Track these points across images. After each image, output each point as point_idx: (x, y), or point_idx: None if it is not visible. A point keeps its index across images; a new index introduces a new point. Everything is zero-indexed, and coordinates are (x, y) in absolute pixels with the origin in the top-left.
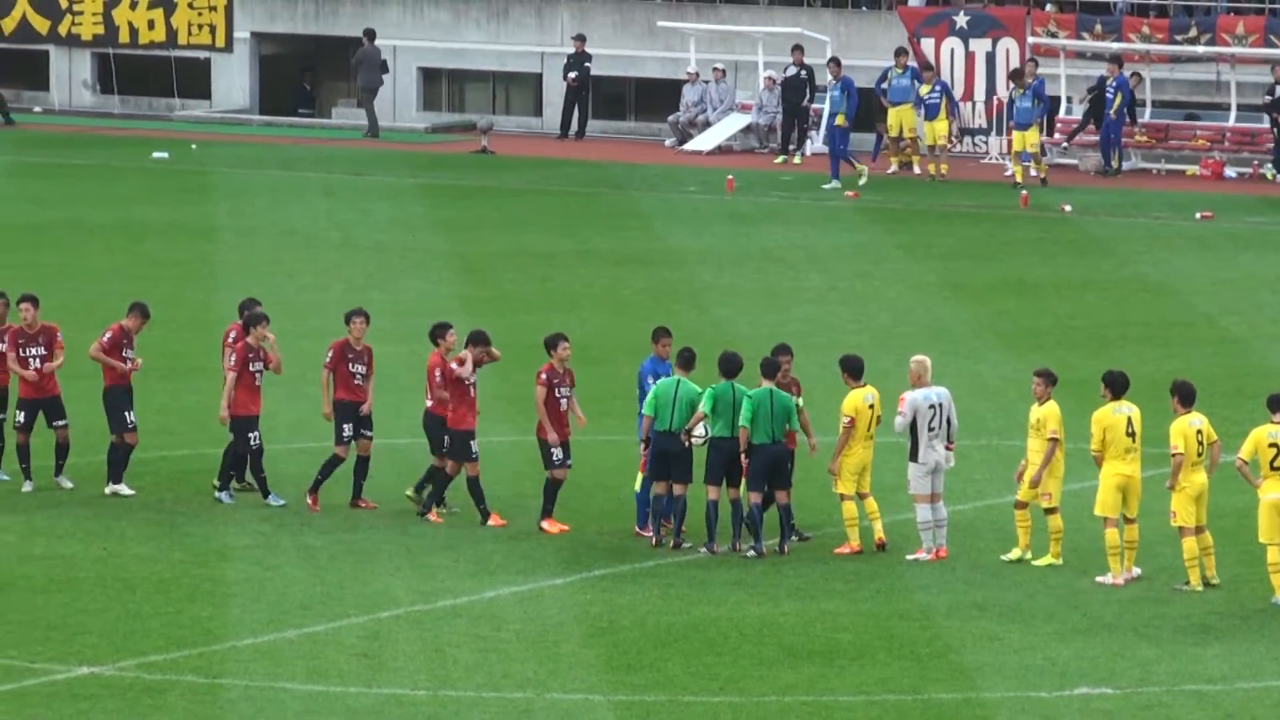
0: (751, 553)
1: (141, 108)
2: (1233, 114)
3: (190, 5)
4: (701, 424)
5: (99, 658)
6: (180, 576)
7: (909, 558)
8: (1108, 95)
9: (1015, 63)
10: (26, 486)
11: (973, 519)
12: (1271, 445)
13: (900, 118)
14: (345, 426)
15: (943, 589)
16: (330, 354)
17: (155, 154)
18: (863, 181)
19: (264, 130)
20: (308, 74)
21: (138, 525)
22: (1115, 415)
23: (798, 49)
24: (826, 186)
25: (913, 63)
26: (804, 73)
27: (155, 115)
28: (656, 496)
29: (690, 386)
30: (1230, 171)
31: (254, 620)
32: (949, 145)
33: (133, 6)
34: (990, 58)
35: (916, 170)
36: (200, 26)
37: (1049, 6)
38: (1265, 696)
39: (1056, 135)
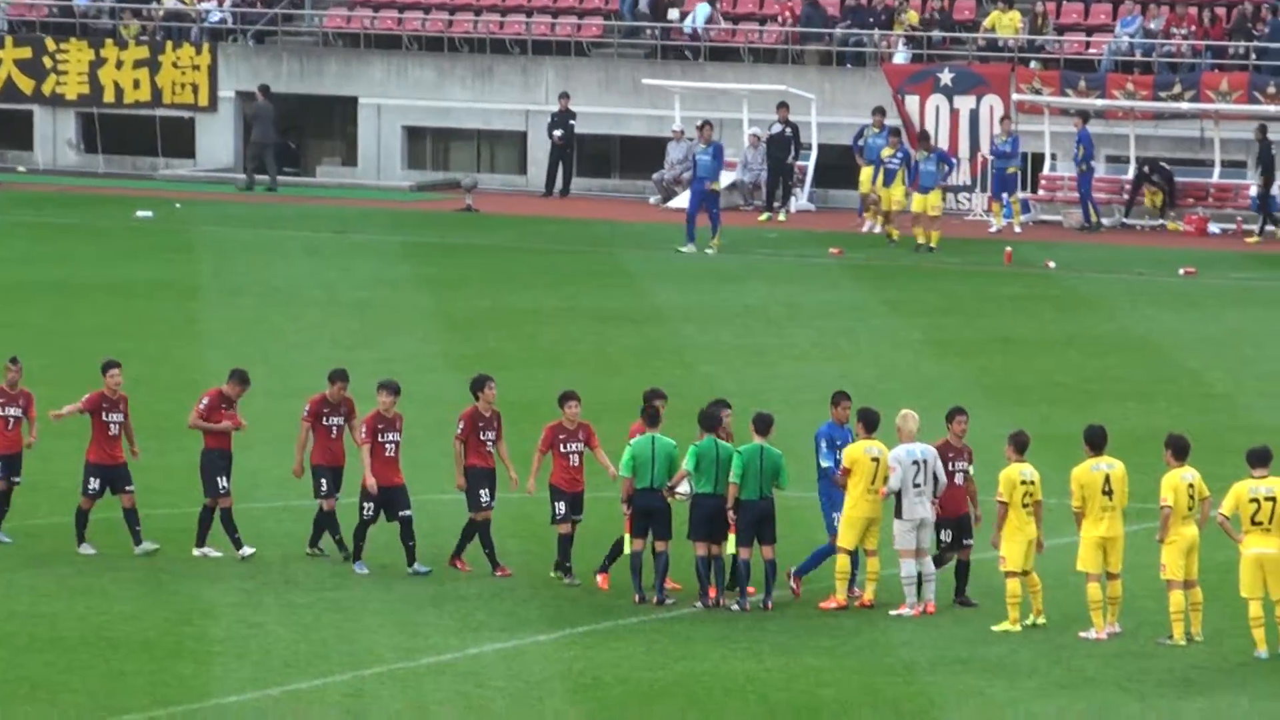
0: (735, 607)
1: (126, 167)
2: (1216, 170)
3: (174, 65)
4: (685, 481)
5: (82, 717)
6: (164, 634)
7: (893, 613)
8: (1075, 155)
9: (999, 119)
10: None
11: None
12: (1253, 500)
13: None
14: (482, 492)
15: (926, 644)
16: (462, 424)
17: (139, 213)
18: (710, 251)
19: (248, 189)
20: (292, 133)
21: (121, 583)
22: (1093, 473)
23: (783, 106)
24: (683, 249)
25: (892, 121)
26: (789, 130)
27: (139, 174)
28: (635, 553)
29: (666, 442)
30: (1214, 227)
31: (238, 678)
32: (904, 211)
33: (118, 66)
34: (974, 115)
35: (865, 226)
36: (184, 86)
37: (1033, 63)
38: None
39: (1040, 192)
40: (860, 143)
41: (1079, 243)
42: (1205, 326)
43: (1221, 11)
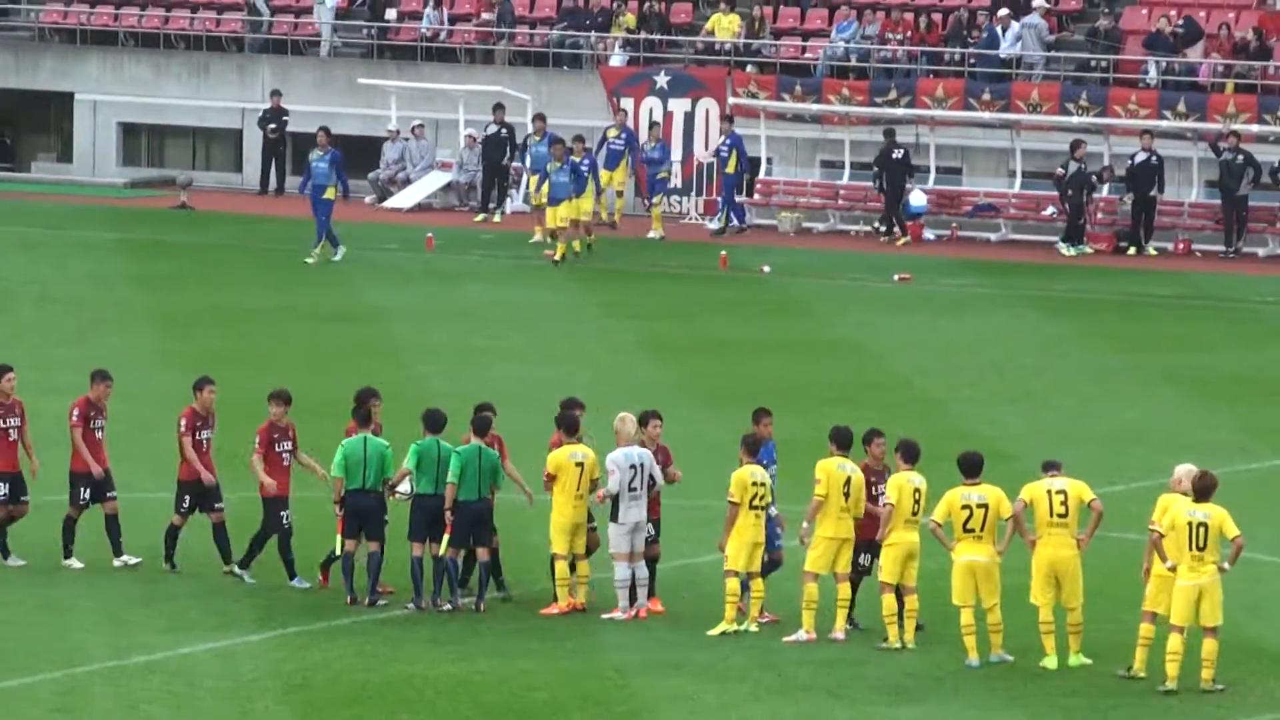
0: (449, 608)
1: None
2: (932, 176)
3: None
4: (406, 480)
5: None
6: None
7: (605, 616)
8: (722, 154)
9: (716, 123)
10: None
11: (670, 578)
12: (964, 507)
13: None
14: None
15: (638, 648)
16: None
17: None
18: (312, 261)
19: None
20: (6, 128)
21: None
22: (838, 470)
23: (499, 107)
24: (310, 260)
25: (620, 125)
26: (505, 131)
27: None
28: (346, 554)
29: (378, 442)
30: (929, 234)
31: None
32: (589, 219)
33: None
34: (689, 118)
35: (535, 237)
36: None
37: (750, 68)
38: None
39: (756, 196)
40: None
41: (794, 248)
42: (919, 333)
43: (938, 18)
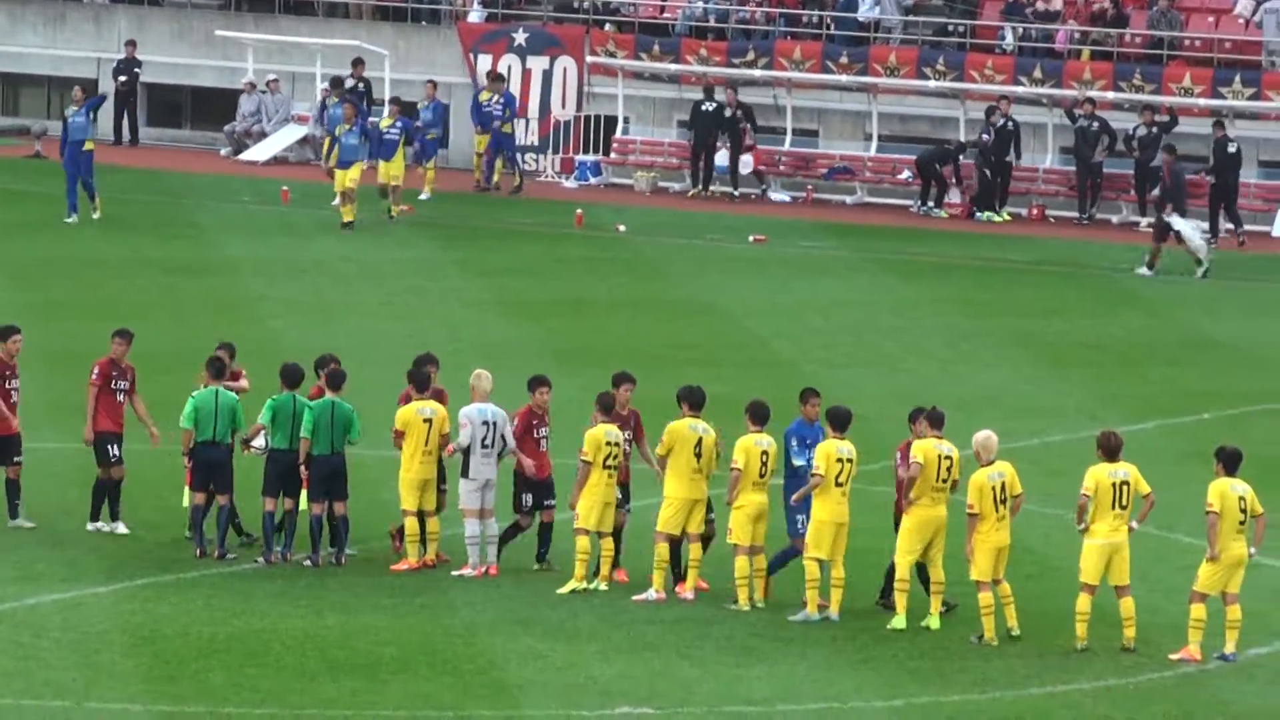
0: (308, 563)
1: None
2: (789, 138)
3: None
4: (261, 435)
5: None
6: None
7: (455, 573)
8: (496, 114)
9: (573, 81)
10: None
11: (520, 536)
12: (838, 460)
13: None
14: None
15: (487, 605)
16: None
17: None
18: (95, 216)
19: None
20: None
21: None
22: (689, 431)
23: (358, 62)
24: (68, 220)
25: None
26: (363, 85)
27: None
28: (196, 506)
29: (229, 395)
30: (784, 195)
31: None
32: (398, 184)
33: None
34: (548, 76)
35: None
36: None
37: (608, 26)
38: (804, 718)
39: (612, 155)
40: (324, 114)
41: (650, 207)
42: (773, 295)
43: None
